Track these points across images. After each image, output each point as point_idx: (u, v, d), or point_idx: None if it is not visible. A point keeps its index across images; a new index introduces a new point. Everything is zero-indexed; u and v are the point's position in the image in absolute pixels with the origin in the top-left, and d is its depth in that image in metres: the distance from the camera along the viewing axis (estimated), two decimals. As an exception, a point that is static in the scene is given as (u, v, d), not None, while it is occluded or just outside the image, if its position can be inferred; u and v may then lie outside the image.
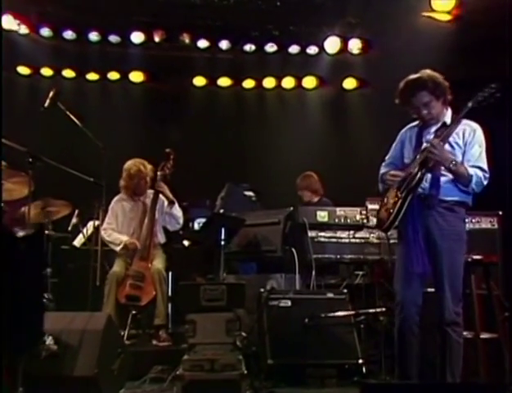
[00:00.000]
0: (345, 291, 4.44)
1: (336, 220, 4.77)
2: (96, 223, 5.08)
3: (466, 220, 3.47)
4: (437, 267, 3.21)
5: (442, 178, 3.23)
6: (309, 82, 7.72)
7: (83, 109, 5.92)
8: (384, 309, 4.15)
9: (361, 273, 4.83)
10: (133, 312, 4.64)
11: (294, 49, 7.33)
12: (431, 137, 3.29)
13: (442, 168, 3.21)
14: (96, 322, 3.39)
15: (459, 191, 3.26)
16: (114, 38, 7.05)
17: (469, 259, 3.63)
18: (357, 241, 4.74)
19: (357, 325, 4.26)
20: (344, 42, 7.11)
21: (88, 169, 4.75)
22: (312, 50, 7.34)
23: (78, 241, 5.79)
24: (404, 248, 3.26)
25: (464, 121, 3.28)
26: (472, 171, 3.20)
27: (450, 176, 3.23)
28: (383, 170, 3.56)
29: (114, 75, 7.48)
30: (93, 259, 4.71)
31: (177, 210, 5.07)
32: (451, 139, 3.25)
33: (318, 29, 7.06)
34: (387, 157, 3.59)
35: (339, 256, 4.76)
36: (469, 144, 3.24)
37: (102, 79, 7.46)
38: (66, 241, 5.75)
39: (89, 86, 7.43)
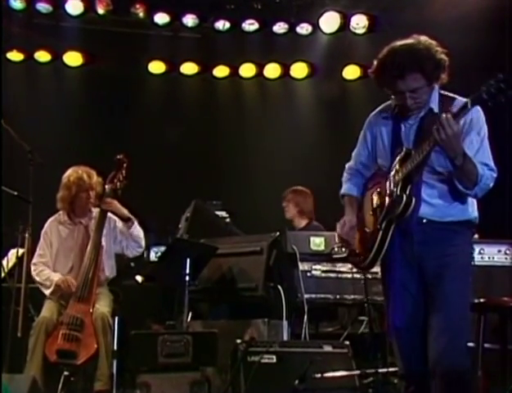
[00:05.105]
0: (347, 342, 4.37)
1: (335, 249, 4.72)
2: (20, 251, 4.98)
3: (506, 252, 3.41)
4: (435, 306, 3.03)
5: (432, 192, 3.05)
6: (299, 70, 7.75)
7: (3, 98, 5.84)
8: (397, 369, 4.13)
9: (366, 319, 4.80)
10: (66, 373, 4.46)
11: (280, 28, 7.36)
12: (412, 134, 3.07)
13: (432, 173, 3.00)
14: (17, 388, 3.35)
15: (458, 208, 3.06)
16: (42, 7, 6.99)
17: (510, 304, 3.60)
18: (362, 276, 4.68)
19: (363, 389, 4.21)
20: (345, 18, 7.16)
21: (11, 180, 4.67)
22: (304, 29, 7.38)
23: (-5, 276, 5.70)
24: (390, 296, 3.09)
25: (459, 99, 3.05)
26: (480, 168, 2.97)
27: (442, 186, 3.04)
28: (345, 187, 3.31)
29: (43, 56, 7.44)
30: (14, 302, 4.61)
31: (137, 230, 4.99)
32: None
33: (312, 1, 7.08)
34: (353, 155, 3.37)
35: (338, 296, 4.75)
36: (465, 133, 3.02)
37: (28, 60, 7.39)
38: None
39: (11, 68, 7.31)
